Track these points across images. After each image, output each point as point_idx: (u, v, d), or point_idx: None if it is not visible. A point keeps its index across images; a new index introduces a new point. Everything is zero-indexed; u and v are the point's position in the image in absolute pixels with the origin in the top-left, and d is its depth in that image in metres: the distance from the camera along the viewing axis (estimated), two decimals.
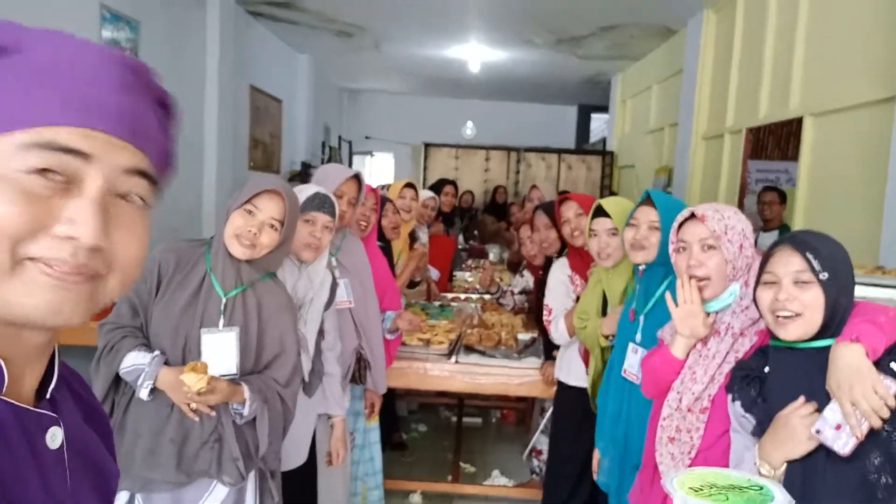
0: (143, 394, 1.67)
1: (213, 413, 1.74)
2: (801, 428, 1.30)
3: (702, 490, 0.66)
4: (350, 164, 11.36)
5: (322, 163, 9.45)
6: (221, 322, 1.77)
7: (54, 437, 0.61)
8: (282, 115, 8.28)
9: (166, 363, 1.71)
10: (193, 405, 1.69)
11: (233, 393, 1.70)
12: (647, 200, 1.95)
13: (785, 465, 1.32)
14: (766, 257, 1.43)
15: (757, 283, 1.43)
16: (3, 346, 0.57)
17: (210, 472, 1.74)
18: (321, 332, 2.27)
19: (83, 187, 0.56)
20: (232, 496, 1.79)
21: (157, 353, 1.70)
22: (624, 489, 1.96)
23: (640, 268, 1.97)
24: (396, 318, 2.85)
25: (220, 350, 1.74)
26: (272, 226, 1.76)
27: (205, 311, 1.76)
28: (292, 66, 8.83)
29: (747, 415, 1.45)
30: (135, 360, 1.68)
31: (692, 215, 1.64)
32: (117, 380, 1.74)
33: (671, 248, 1.70)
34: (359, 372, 2.73)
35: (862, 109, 3.47)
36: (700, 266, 1.61)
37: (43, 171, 0.54)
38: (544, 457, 3.42)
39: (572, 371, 2.65)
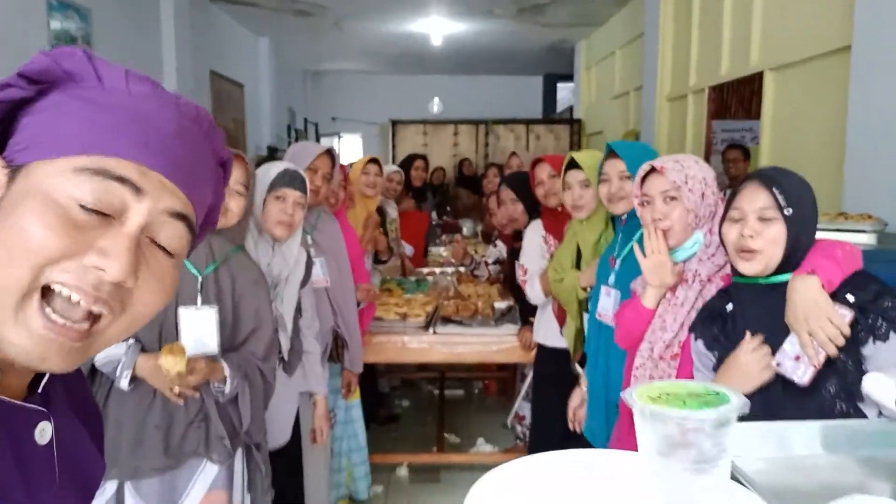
0: (124, 384, 1.64)
1: (197, 394, 1.72)
2: (752, 364, 1.34)
3: (659, 398, 0.68)
4: None
5: (288, 146, 9.34)
6: (199, 300, 1.75)
7: (43, 432, 0.60)
8: (244, 100, 8.16)
9: (142, 350, 1.68)
10: (177, 389, 1.67)
11: (212, 371, 1.69)
12: (612, 153, 1.97)
13: None
14: (734, 193, 1.45)
15: (723, 219, 1.45)
16: None
17: (199, 451, 1.73)
18: (298, 311, 2.27)
19: (124, 221, 0.57)
20: (222, 474, 1.79)
21: (131, 341, 1.66)
22: (611, 430, 1.99)
23: (623, 217, 2.00)
24: (356, 291, 2.85)
25: (199, 329, 1.72)
26: (237, 191, 1.76)
27: (179, 291, 1.73)
28: (253, 49, 8.69)
29: (709, 353, 1.48)
30: (108, 351, 1.63)
31: (653, 168, 1.65)
32: (92, 372, 1.70)
33: (635, 202, 1.72)
34: (336, 350, 2.73)
35: (820, 60, 3.51)
36: (664, 218, 1.63)
37: (92, 211, 0.55)
38: (528, 422, 3.47)
39: (549, 332, 2.68)
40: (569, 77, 10.06)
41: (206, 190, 0.66)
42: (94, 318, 0.56)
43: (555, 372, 2.64)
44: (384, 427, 3.92)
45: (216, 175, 0.69)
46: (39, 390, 0.61)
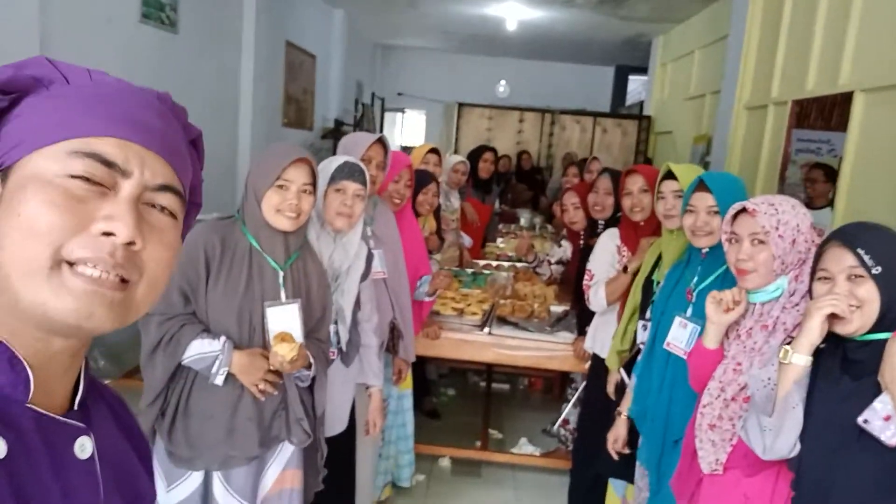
0: (220, 380, 1.72)
1: (276, 392, 1.81)
2: (813, 309, 1.37)
3: None
4: (382, 121, 11.30)
5: (354, 120, 9.42)
6: (283, 295, 1.82)
7: (83, 447, 0.62)
8: (315, 72, 8.23)
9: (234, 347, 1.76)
10: (262, 386, 1.76)
11: (306, 358, 1.81)
12: (702, 185, 1.92)
13: (810, 359, 1.41)
14: (818, 254, 1.43)
15: (812, 278, 1.43)
16: (33, 354, 0.59)
17: (281, 436, 1.85)
18: (357, 303, 2.31)
19: (118, 191, 0.60)
20: (297, 453, 1.91)
21: (224, 338, 1.73)
22: (664, 463, 1.98)
23: (703, 251, 1.97)
24: (433, 279, 2.90)
25: (285, 322, 1.80)
26: (306, 191, 1.81)
27: (262, 287, 1.80)
28: (327, 21, 8.74)
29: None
30: (201, 349, 1.71)
31: (745, 208, 1.62)
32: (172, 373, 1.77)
33: (723, 237, 1.70)
34: (392, 342, 2.77)
35: None
36: (748, 260, 1.61)
37: (83, 178, 0.58)
38: (571, 426, 3.47)
39: (606, 343, 2.66)
40: (642, 70, 9.81)
41: (185, 161, 0.68)
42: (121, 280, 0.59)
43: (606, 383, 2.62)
44: (428, 419, 3.98)
45: (190, 152, 0.71)
46: (76, 406, 0.64)
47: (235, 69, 6.00)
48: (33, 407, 0.59)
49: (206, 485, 1.78)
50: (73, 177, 0.58)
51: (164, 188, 0.64)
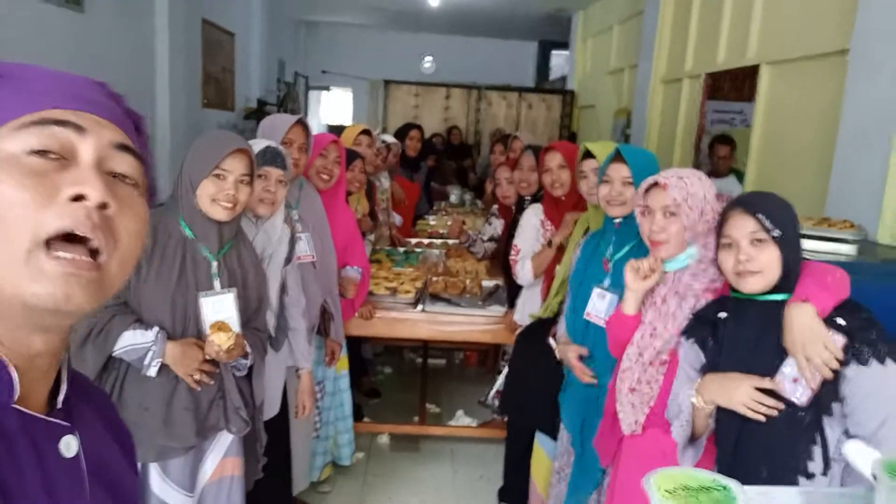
0: (153, 371, 1.70)
1: (212, 381, 1.80)
2: (745, 395, 1.43)
3: (676, 492, 0.75)
4: (306, 100, 11.10)
5: (277, 99, 9.21)
6: (217, 284, 1.80)
7: (69, 445, 0.63)
8: (235, 50, 7.99)
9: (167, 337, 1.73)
10: (197, 376, 1.75)
11: (243, 347, 1.81)
12: (618, 157, 2.01)
13: (714, 405, 1.50)
14: (721, 222, 1.52)
15: (717, 246, 1.53)
16: (16, 356, 0.59)
17: (219, 425, 1.84)
18: (283, 288, 2.31)
19: (79, 159, 0.61)
20: (235, 441, 1.92)
21: (157, 329, 1.71)
22: (587, 426, 2.07)
23: (616, 221, 2.05)
24: (360, 308, 3.02)
25: (221, 312, 1.78)
26: (243, 181, 1.80)
27: (196, 277, 1.78)
28: None
29: (700, 353, 1.59)
30: (133, 340, 1.68)
31: (656, 182, 1.71)
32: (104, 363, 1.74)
33: (637, 210, 1.78)
34: (323, 324, 2.78)
35: (817, 60, 3.55)
36: (661, 231, 1.70)
37: (41, 153, 0.59)
38: None
39: (527, 311, 2.75)
40: (564, 45, 9.97)
41: (136, 141, 0.69)
42: (94, 254, 0.59)
43: (534, 337, 2.68)
44: (369, 398, 4.01)
45: (137, 138, 0.71)
46: (59, 405, 0.64)
47: (150, 49, 5.76)
48: (17, 407, 0.59)
49: (143, 476, 1.77)
50: (31, 153, 0.58)
51: (122, 147, 0.64)
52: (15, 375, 0.59)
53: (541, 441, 2.59)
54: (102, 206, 0.59)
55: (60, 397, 0.65)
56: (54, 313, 0.58)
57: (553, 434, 2.42)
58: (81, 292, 0.58)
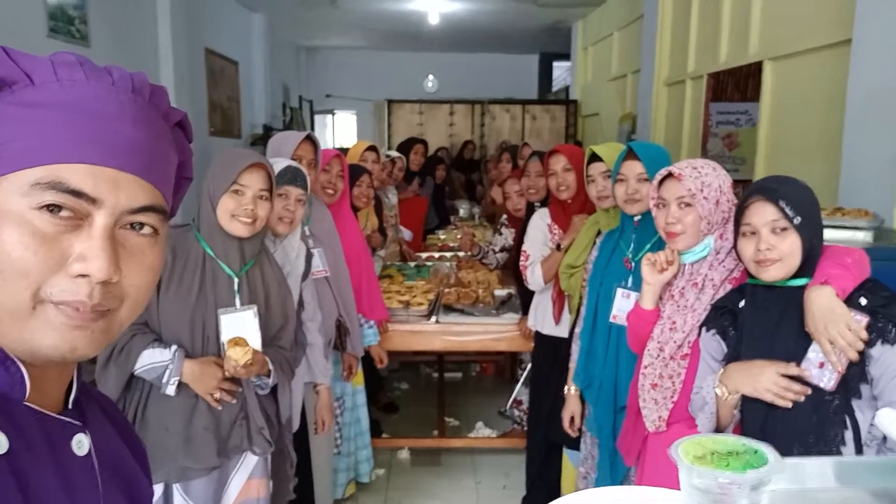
0: (171, 390, 1.68)
1: (235, 400, 1.78)
2: (770, 381, 1.40)
3: (704, 458, 0.73)
4: (312, 124, 11.17)
5: (283, 124, 9.28)
6: (238, 302, 1.79)
7: (80, 444, 0.63)
8: (238, 78, 8.08)
9: (186, 356, 1.72)
10: (217, 395, 1.72)
11: (264, 364, 1.77)
12: (631, 154, 1.99)
13: (738, 395, 1.46)
14: (741, 209, 1.50)
15: (736, 234, 1.51)
16: (28, 362, 0.59)
17: (242, 445, 1.81)
18: (301, 304, 2.30)
19: (92, 223, 0.58)
20: (261, 462, 1.88)
21: (175, 347, 1.70)
22: (618, 429, 2.04)
23: (636, 218, 2.03)
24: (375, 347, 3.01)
25: (240, 329, 1.76)
26: (262, 196, 1.79)
27: (216, 294, 1.77)
28: (246, 25, 8.57)
29: (721, 343, 1.56)
30: (152, 359, 1.67)
31: (671, 174, 1.69)
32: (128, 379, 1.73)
33: (651, 203, 1.76)
34: (339, 339, 2.77)
35: (819, 53, 3.53)
36: (677, 223, 1.68)
37: (52, 208, 0.56)
38: (524, 406, 3.54)
39: (546, 320, 2.73)
40: (565, 56, 10.01)
41: (168, 160, 0.65)
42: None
43: (552, 359, 2.69)
44: (385, 413, 3.99)
45: (176, 136, 0.68)
46: (70, 405, 0.64)
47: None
48: (31, 405, 0.59)
49: (167, 497, 1.75)
50: (43, 207, 0.56)
51: (143, 209, 0.61)
52: (26, 374, 0.59)
53: (567, 452, 2.57)
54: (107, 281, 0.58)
55: (72, 397, 0.65)
56: (60, 361, 0.59)
57: (576, 446, 2.40)
58: (87, 342, 0.58)
